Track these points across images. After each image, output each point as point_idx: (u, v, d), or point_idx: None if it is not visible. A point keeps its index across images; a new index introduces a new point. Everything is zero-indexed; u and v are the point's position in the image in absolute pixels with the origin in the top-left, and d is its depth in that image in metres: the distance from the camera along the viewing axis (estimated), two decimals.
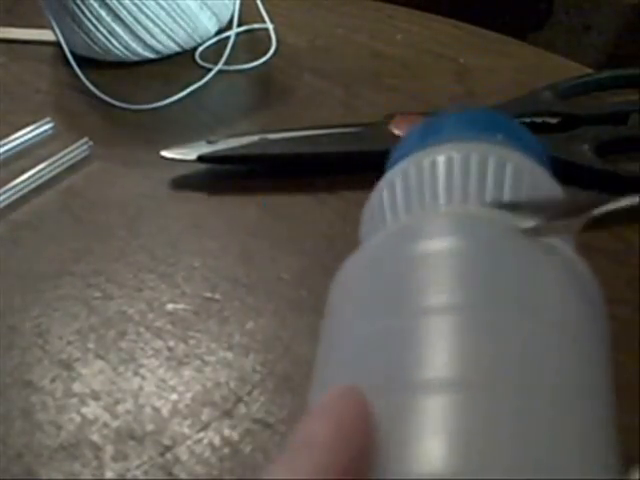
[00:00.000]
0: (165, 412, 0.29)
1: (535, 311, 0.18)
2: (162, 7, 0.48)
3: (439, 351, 0.17)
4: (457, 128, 0.24)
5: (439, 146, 0.23)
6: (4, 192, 0.40)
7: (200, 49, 0.51)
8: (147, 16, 0.48)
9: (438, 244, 0.20)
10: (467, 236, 0.20)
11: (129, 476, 0.27)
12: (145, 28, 0.48)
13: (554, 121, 0.40)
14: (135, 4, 0.47)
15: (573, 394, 0.17)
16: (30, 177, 0.40)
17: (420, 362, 0.17)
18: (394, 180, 0.24)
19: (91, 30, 0.48)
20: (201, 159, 0.39)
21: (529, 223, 0.20)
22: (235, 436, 0.28)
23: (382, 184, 0.25)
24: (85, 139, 0.43)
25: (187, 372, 0.31)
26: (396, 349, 0.18)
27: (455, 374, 0.17)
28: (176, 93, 0.47)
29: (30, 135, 0.44)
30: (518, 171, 0.22)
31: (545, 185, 0.23)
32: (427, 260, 0.19)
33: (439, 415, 0.16)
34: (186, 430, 0.28)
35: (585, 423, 0.17)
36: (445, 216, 0.21)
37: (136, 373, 0.31)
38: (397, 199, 0.23)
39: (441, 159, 0.22)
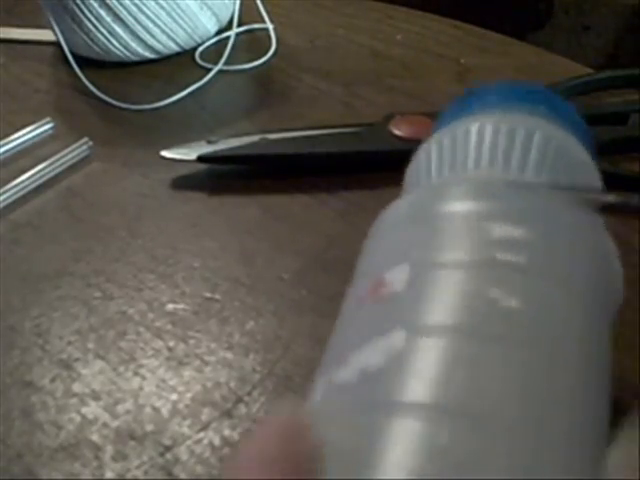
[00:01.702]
0: (165, 412, 0.29)
1: (543, 275, 0.18)
2: (162, 7, 0.48)
3: (443, 303, 0.18)
4: (502, 99, 0.25)
5: (474, 117, 0.24)
6: (4, 192, 0.40)
7: (200, 49, 0.51)
8: (147, 16, 0.48)
9: (455, 207, 0.20)
10: (484, 200, 0.20)
11: (129, 476, 0.27)
12: (145, 28, 0.48)
13: None
14: (135, 4, 0.47)
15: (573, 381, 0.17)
16: (30, 177, 0.40)
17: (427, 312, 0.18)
18: (430, 147, 0.25)
19: (91, 30, 0.48)
20: (201, 159, 0.39)
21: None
22: (235, 436, 0.28)
23: (422, 150, 0.25)
24: (85, 139, 0.43)
25: (187, 372, 0.31)
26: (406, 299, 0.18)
27: (455, 323, 0.17)
28: (176, 93, 0.47)
29: (30, 135, 0.44)
30: (560, 148, 0.22)
31: (575, 154, 0.23)
32: (445, 221, 0.20)
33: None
34: (186, 430, 0.28)
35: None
36: (465, 181, 0.22)
37: (136, 373, 0.31)
38: (432, 162, 0.24)
39: (473, 128, 0.23)
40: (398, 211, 0.23)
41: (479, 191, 0.21)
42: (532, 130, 0.23)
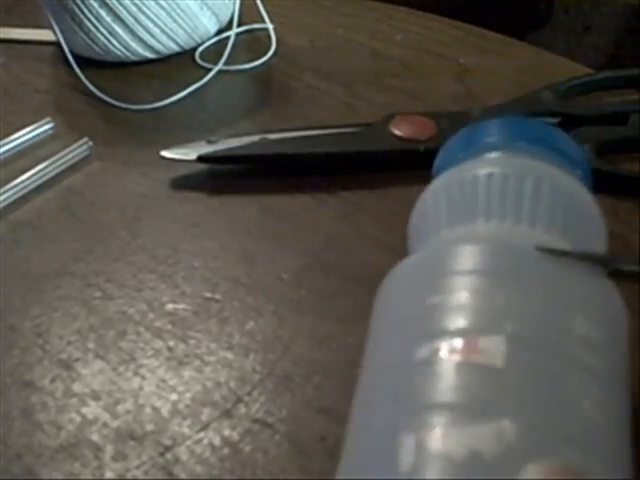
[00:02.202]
0: (165, 412, 0.29)
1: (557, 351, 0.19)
2: (162, 7, 0.48)
3: (450, 378, 0.18)
4: (500, 137, 0.25)
5: (479, 159, 0.24)
6: (4, 192, 0.40)
7: (200, 49, 0.51)
8: (147, 16, 0.48)
9: (463, 274, 0.21)
10: (495, 265, 0.21)
11: (129, 476, 0.27)
12: (145, 28, 0.48)
13: (554, 121, 0.40)
14: (135, 4, 0.47)
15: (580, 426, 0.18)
16: (30, 177, 0.40)
17: (432, 388, 0.18)
18: (437, 193, 0.25)
19: (91, 30, 0.48)
20: (201, 159, 0.39)
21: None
22: (235, 436, 0.28)
23: (426, 194, 0.26)
24: (85, 139, 0.43)
25: (187, 372, 0.31)
26: (415, 374, 0.19)
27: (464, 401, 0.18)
28: (176, 93, 0.47)
29: (30, 135, 0.44)
30: (554, 190, 0.23)
31: (578, 202, 0.23)
32: (452, 287, 0.20)
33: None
34: (186, 430, 0.28)
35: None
36: (474, 243, 0.22)
37: (136, 373, 0.31)
38: (438, 213, 0.24)
39: (480, 175, 0.23)
40: (403, 273, 0.23)
41: (502, 257, 0.21)
42: (540, 180, 0.23)
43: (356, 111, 0.45)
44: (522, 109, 0.40)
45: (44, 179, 0.41)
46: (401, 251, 0.26)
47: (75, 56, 0.49)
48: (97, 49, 0.49)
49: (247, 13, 0.53)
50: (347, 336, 0.31)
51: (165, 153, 0.40)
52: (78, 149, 0.42)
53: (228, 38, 0.50)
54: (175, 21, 0.49)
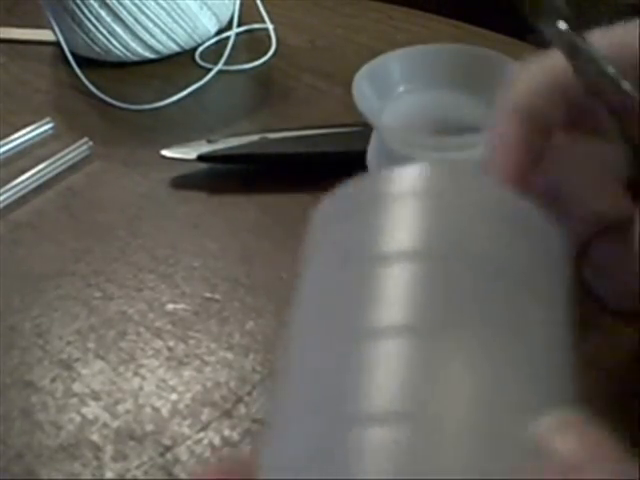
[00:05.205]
0: (165, 412, 0.29)
1: (485, 264, 0.18)
2: (162, 7, 0.48)
3: (391, 300, 0.18)
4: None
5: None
6: (4, 192, 0.40)
7: (200, 49, 0.51)
8: (147, 16, 0.48)
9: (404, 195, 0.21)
10: (431, 187, 0.20)
11: (129, 476, 0.27)
12: (145, 28, 0.48)
13: None
14: (135, 4, 0.47)
15: (521, 347, 0.17)
16: (30, 177, 0.40)
17: (373, 311, 0.18)
18: None
19: (91, 30, 0.48)
20: (201, 158, 0.39)
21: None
22: (235, 436, 0.28)
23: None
24: (85, 139, 0.43)
25: (187, 372, 0.31)
26: (352, 297, 0.19)
27: (406, 321, 0.17)
28: (176, 93, 0.47)
29: (30, 135, 0.44)
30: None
31: None
32: (392, 209, 0.20)
33: (389, 360, 0.17)
34: (186, 430, 0.28)
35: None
36: (413, 167, 0.21)
37: (136, 373, 0.31)
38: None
39: None
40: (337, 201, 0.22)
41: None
42: None
43: (356, 111, 0.44)
44: None
45: (44, 179, 0.41)
46: None
47: (75, 56, 0.49)
48: (97, 49, 0.49)
49: (247, 13, 0.53)
50: None
51: (165, 152, 0.40)
52: (78, 149, 0.42)
53: (228, 38, 0.50)
54: (175, 21, 0.49)
